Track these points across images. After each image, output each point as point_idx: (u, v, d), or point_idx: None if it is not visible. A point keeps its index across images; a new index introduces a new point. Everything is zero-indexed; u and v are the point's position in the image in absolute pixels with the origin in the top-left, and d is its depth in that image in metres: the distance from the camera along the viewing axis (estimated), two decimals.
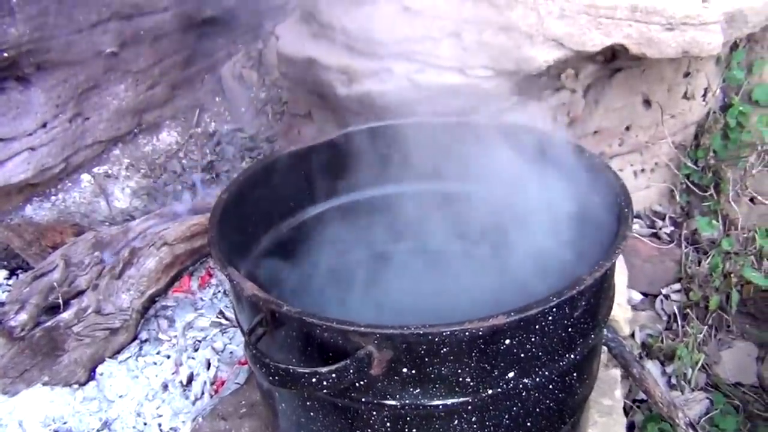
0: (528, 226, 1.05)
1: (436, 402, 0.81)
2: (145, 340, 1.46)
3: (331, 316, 0.78)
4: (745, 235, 1.55)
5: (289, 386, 0.77)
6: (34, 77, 1.82)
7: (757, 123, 1.52)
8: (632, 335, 1.50)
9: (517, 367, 0.82)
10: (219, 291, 1.58)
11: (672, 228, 1.62)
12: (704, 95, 1.58)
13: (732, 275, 1.50)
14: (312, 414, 0.90)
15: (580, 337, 0.87)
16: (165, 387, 1.37)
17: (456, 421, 0.84)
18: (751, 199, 1.62)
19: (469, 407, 0.83)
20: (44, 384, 1.36)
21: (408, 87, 1.44)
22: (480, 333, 0.77)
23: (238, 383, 1.32)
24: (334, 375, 0.75)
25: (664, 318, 1.56)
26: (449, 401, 0.82)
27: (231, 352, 1.41)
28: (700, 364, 1.51)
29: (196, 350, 1.43)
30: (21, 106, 1.82)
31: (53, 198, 1.99)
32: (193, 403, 1.34)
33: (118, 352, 1.43)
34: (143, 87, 2.09)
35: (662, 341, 1.51)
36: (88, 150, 2.02)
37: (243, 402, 1.23)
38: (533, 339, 0.81)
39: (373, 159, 1.20)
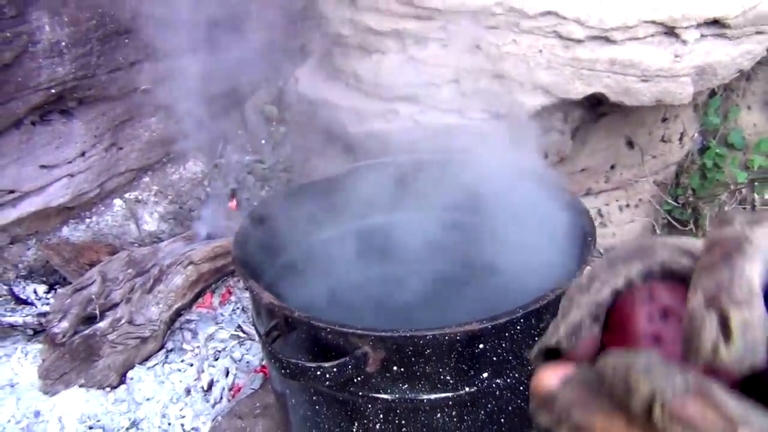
0: (511, 249, 1.20)
1: (421, 397, 0.96)
2: (171, 350, 1.62)
3: (335, 321, 0.94)
4: None
5: (298, 378, 0.92)
6: (76, 111, 1.99)
7: (730, 164, 1.67)
8: None
9: (490, 369, 0.96)
10: (238, 307, 1.74)
11: None
12: (680, 139, 1.73)
13: None
14: (317, 407, 1.05)
15: None
16: (188, 391, 1.52)
17: (438, 415, 0.98)
18: None
19: (450, 402, 0.98)
20: (80, 386, 1.51)
21: (412, 126, 1.60)
22: (458, 337, 0.92)
23: (253, 388, 1.47)
24: (335, 369, 0.90)
25: None
26: (432, 396, 0.96)
27: (247, 362, 1.57)
28: None
29: (216, 359, 1.58)
30: (63, 137, 1.99)
31: (88, 220, 2.15)
32: (213, 406, 1.49)
33: (147, 359, 1.58)
34: (172, 120, 2.25)
35: None
36: (120, 177, 2.18)
37: (258, 404, 1.38)
38: (504, 344, 0.95)
39: (376, 190, 1.36)
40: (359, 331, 0.91)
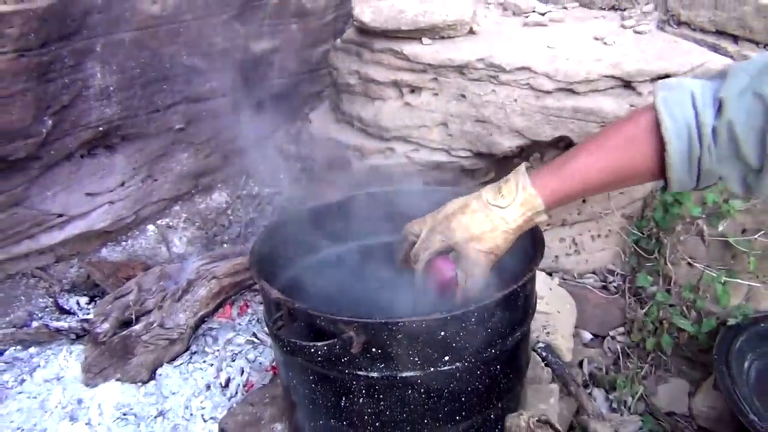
0: None
1: (395, 374, 1.19)
2: (195, 351, 1.85)
3: (326, 311, 1.18)
4: (677, 290, 1.91)
5: (296, 354, 1.16)
6: (119, 146, 2.21)
7: (687, 200, 1.89)
8: (580, 366, 1.84)
9: (450, 353, 1.19)
10: (253, 318, 1.98)
11: (620, 282, 1.99)
12: None
13: (664, 322, 1.85)
14: (313, 385, 1.28)
15: (499, 337, 1.24)
16: (208, 387, 1.75)
17: (410, 391, 1.21)
18: (689, 263, 1.98)
19: (419, 380, 1.20)
20: (117, 379, 1.74)
21: (406, 162, 1.86)
22: (423, 325, 1.15)
23: (264, 384, 1.71)
24: (325, 348, 1.14)
25: (610, 355, 1.91)
26: (404, 374, 1.19)
27: (260, 363, 1.80)
28: (639, 394, 1.85)
29: (233, 360, 1.82)
30: (107, 168, 2.22)
31: (123, 243, 2.39)
32: (229, 400, 1.72)
33: (174, 358, 1.81)
34: (202, 156, 2.50)
35: (606, 373, 1.86)
36: (154, 205, 2.40)
37: (267, 395, 1.61)
38: (461, 334, 1.18)
39: (373, 215, 1.61)
40: (345, 318, 1.15)
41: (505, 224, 1.15)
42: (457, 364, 1.20)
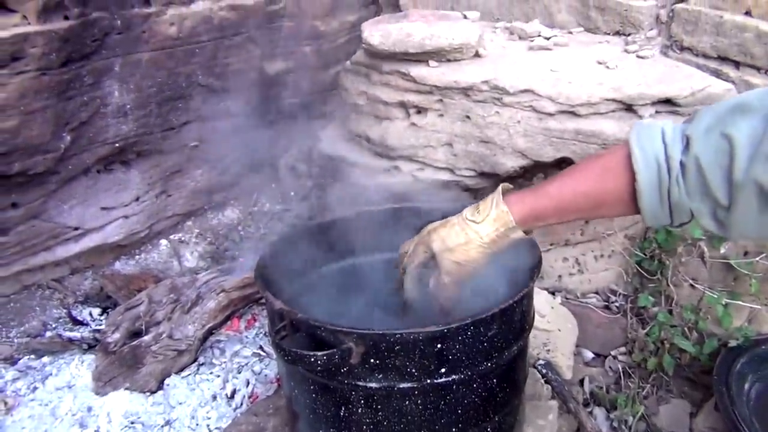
0: (478, 277, 1.48)
1: (393, 385, 1.22)
2: (202, 363, 1.89)
3: (327, 321, 1.22)
4: (679, 311, 1.93)
5: (297, 363, 1.20)
6: (134, 162, 2.26)
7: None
8: (581, 384, 1.86)
9: (447, 366, 1.22)
10: (260, 332, 2.02)
11: (622, 302, 2.01)
12: None
13: (665, 342, 1.87)
14: (314, 395, 1.31)
15: (496, 351, 1.27)
16: (214, 397, 1.79)
17: (407, 401, 1.24)
18: (691, 284, 2.00)
19: (416, 392, 1.23)
20: (126, 388, 1.78)
21: (411, 181, 1.91)
22: (420, 337, 1.18)
23: (268, 395, 1.74)
24: (325, 357, 1.17)
25: (611, 374, 1.92)
26: (401, 385, 1.22)
27: (265, 375, 1.84)
28: (639, 414, 1.86)
29: (239, 372, 1.85)
30: (122, 184, 2.28)
31: (137, 257, 2.45)
32: (234, 410, 1.75)
33: (182, 369, 1.85)
34: (215, 173, 2.56)
35: (607, 392, 1.88)
36: (167, 220, 2.45)
37: (271, 406, 1.65)
38: (458, 346, 1.21)
39: (376, 231, 1.65)
40: (345, 329, 1.18)
41: (479, 239, 1.23)
42: (454, 376, 1.23)
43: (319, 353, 1.17)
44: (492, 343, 1.26)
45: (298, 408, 1.39)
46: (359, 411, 1.26)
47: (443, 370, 1.22)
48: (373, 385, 1.23)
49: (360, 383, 1.23)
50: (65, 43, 1.74)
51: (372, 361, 1.20)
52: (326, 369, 1.20)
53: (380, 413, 1.25)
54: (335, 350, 1.18)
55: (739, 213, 0.93)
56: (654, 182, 0.99)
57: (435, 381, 1.23)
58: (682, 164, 0.96)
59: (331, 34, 2.67)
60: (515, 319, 1.31)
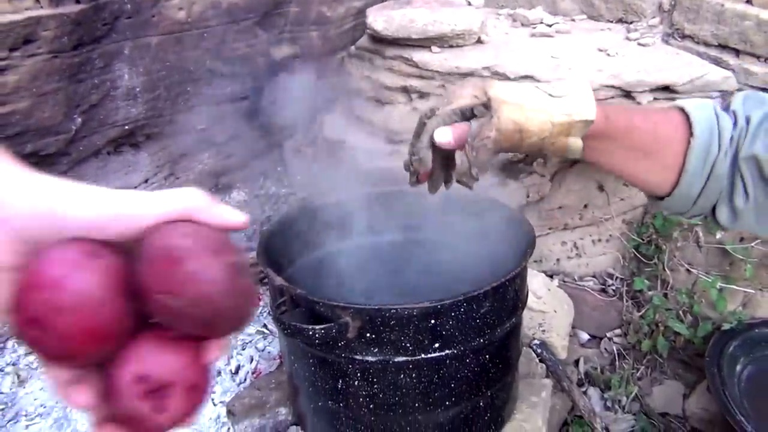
0: (474, 254, 1.52)
1: (388, 359, 1.27)
2: None
3: (325, 297, 1.27)
4: (674, 295, 1.96)
5: (296, 337, 1.25)
6: (143, 144, 2.32)
7: None
8: (576, 364, 1.91)
9: (440, 341, 1.27)
10: (264, 310, 2.07)
11: (618, 285, 2.05)
12: None
13: (660, 325, 1.91)
14: (313, 369, 1.37)
15: (488, 328, 1.31)
16: (219, 373, 1.85)
17: (401, 375, 1.29)
18: (687, 269, 2.04)
19: (410, 365, 1.28)
20: None
21: None
22: (414, 313, 1.23)
23: (270, 371, 1.80)
24: (323, 331, 1.22)
25: (606, 356, 1.97)
26: (396, 359, 1.27)
27: (269, 352, 1.90)
28: (633, 394, 1.91)
29: (243, 349, 1.91)
30: (132, 165, 2.34)
31: None
32: (238, 385, 1.81)
33: None
34: (222, 156, 2.60)
35: (602, 372, 1.92)
36: None
37: (273, 380, 1.70)
38: (450, 322, 1.26)
39: (376, 212, 1.70)
40: (342, 304, 1.23)
41: (550, 114, 0.92)
42: (447, 351, 1.28)
43: (317, 327, 1.22)
44: (485, 320, 1.30)
45: (298, 381, 1.45)
46: (356, 384, 1.31)
47: (437, 345, 1.27)
48: (370, 358, 1.28)
49: (357, 357, 1.28)
50: (77, 26, 1.78)
51: (368, 335, 1.25)
52: (324, 342, 1.25)
53: (376, 386, 1.30)
54: (333, 324, 1.22)
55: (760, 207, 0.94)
56: (705, 147, 0.94)
57: (429, 355, 1.27)
58: (731, 139, 0.95)
59: (338, 20, 2.69)
60: (508, 297, 1.35)
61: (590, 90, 0.95)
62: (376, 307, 1.23)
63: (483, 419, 1.41)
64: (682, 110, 0.98)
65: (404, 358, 1.27)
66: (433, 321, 1.25)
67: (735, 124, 0.96)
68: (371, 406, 1.32)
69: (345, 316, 1.24)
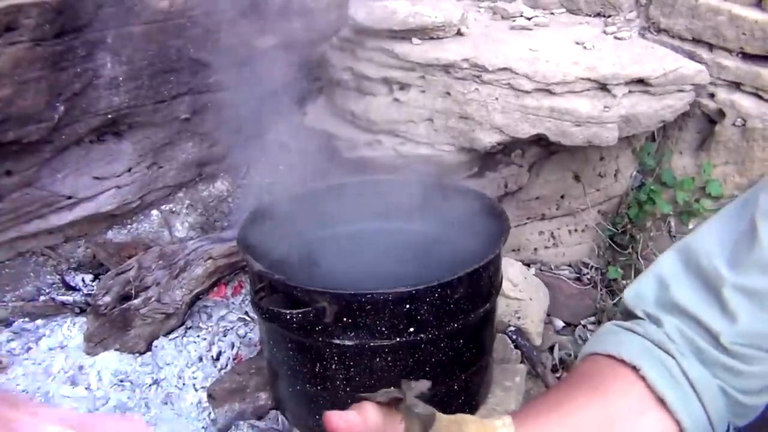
0: (451, 245, 1.56)
1: (364, 343, 1.31)
2: (189, 327, 1.96)
3: (303, 282, 1.30)
4: None
5: (274, 321, 1.28)
6: (126, 133, 2.29)
7: (658, 198, 2.00)
8: (551, 351, 1.95)
9: (416, 325, 1.30)
10: (246, 298, 2.10)
11: (593, 274, 2.09)
12: (615, 175, 2.07)
13: None
14: (291, 353, 1.39)
15: (462, 313, 1.35)
16: (200, 359, 1.87)
17: (377, 359, 1.32)
18: None
19: (386, 349, 1.31)
20: (116, 349, 1.85)
21: (393, 155, 1.97)
22: (390, 298, 1.26)
23: (251, 357, 1.83)
24: (300, 315, 1.25)
25: (580, 342, 2.01)
26: (373, 343, 1.30)
27: (250, 338, 1.92)
28: None
29: (225, 335, 1.93)
30: (114, 155, 2.32)
31: (128, 226, 2.50)
32: (219, 371, 1.83)
33: (170, 332, 1.91)
34: (205, 146, 2.60)
35: (576, 359, 1.96)
36: (158, 191, 2.49)
37: (253, 366, 1.73)
38: (426, 307, 1.29)
39: (358, 201, 1.73)
40: (319, 289, 1.27)
41: None
42: (422, 335, 1.32)
43: (295, 311, 1.25)
44: (459, 306, 1.34)
45: (277, 366, 1.48)
46: (333, 367, 1.35)
47: (412, 329, 1.30)
48: (346, 342, 1.31)
49: (334, 341, 1.31)
50: (59, 14, 1.79)
51: (345, 319, 1.28)
52: (302, 327, 1.28)
53: (353, 369, 1.34)
54: (310, 309, 1.26)
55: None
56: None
57: (404, 339, 1.31)
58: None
59: (321, 11, 2.71)
60: (482, 283, 1.39)
61: None
62: (352, 292, 1.26)
63: (457, 402, 1.45)
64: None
65: (380, 342, 1.30)
66: (408, 306, 1.28)
67: (677, 325, 0.81)
68: (348, 389, 1.36)
69: (322, 301, 1.27)
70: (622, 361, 0.79)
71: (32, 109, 1.86)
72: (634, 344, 0.80)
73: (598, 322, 2.01)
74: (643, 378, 0.77)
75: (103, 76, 2.08)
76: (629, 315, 0.87)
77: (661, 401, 0.75)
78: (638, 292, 0.87)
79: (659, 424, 0.76)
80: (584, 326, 2.02)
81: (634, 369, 0.77)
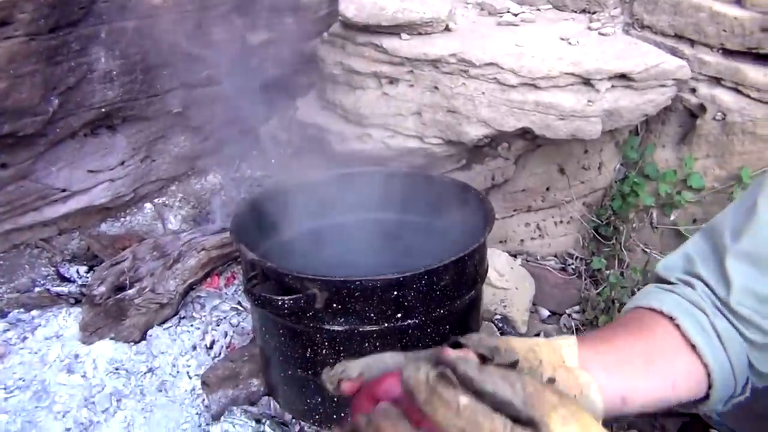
0: (439, 235, 1.60)
1: (354, 328, 1.35)
2: (183, 316, 2.01)
3: (294, 269, 1.34)
4: (629, 273, 2.07)
5: (266, 307, 1.32)
6: (119, 126, 2.31)
7: (641, 189, 2.05)
8: None
9: (403, 311, 1.35)
10: (239, 289, 2.14)
11: (578, 265, 2.15)
12: (599, 168, 2.12)
13: (615, 301, 2.01)
14: (283, 338, 1.44)
15: (449, 300, 1.40)
16: (194, 347, 1.90)
17: (366, 344, 1.37)
18: (643, 250, 2.14)
19: (375, 334, 1.36)
20: (111, 338, 1.89)
21: (382, 147, 2.02)
22: (378, 285, 1.31)
23: (244, 345, 1.87)
24: (291, 301, 1.29)
25: (565, 331, 2.06)
26: (362, 328, 1.35)
27: (242, 327, 1.96)
28: None
29: (218, 324, 1.97)
30: (108, 148, 2.34)
31: (122, 219, 2.53)
32: (213, 359, 1.87)
33: (164, 321, 1.95)
34: (198, 139, 2.63)
35: None
36: (152, 185, 2.52)
37: (246, 353, 1.77)
38: (413, 294, 1.34)
39: (349, 192, 1.77)
40: (310, 276, 1.31)
41: None
42: (410, 321, 1.36)
43: (286, 298, 1.29)
44: (445, 292, 1.39)
45: (269, 352, 1.52)
46: (323, 352, 1.39)
47: (399, 315, 1.35)
48: (336, 328, 1.35)
49: (325, 326, 1.36)
50: (53, 9, 1.82)
51: (335, 306, 1.33)
52: (293, 313, 1.32)
53: (343, 354, 1.38)
54: (301, 295, 1.30)
55: None
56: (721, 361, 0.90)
57: (392, 325, 1.35)
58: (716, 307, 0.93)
59: (313, 6, 2.75)
60: (467, 271, 1.44)
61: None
62: (342, 279, 1.30)
63: None
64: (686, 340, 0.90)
65: (369, 328, 1.35)
66: (396, 292, 1.33)
67: (706, 290, 0.95)
68: None
69: (313, 288, 1.31)
70: (662, 313, 0.93)
71: (27, 103, 1.89)
72: (672, 300, 0.94)
73: (583, 311, 2.06)
74: (678, 327, 0.90)
75: (97, 71, 2.11)
76: (660, 282, 1.02)
77: (693, 347, 0.89)
78: (668, 266, 1.02)
79: (691, 366, 0.89)
80: (569, 315, 2.07)
81: (671, 319, 0.91)
